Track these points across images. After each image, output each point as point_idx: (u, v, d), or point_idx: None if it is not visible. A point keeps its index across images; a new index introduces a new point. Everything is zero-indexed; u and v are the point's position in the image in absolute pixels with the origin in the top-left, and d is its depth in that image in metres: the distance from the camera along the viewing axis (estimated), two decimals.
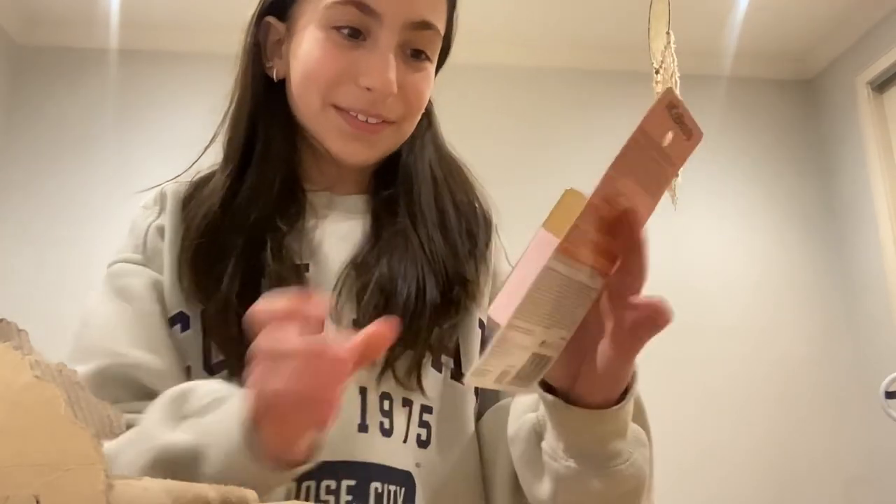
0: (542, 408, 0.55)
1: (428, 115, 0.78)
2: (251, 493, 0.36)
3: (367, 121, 0.68)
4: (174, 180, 0.74)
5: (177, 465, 0.48)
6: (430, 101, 0.79)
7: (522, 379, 0.46)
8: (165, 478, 0.36)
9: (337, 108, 0.67)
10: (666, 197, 1.98)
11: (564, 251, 0.39)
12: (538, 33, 3.18)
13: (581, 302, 0.44)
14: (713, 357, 3.00)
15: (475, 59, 3.21)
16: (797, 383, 3.02)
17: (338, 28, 0.66)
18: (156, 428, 0.51)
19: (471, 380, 0.44)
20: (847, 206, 3.16)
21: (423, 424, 0.65)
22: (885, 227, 2.89)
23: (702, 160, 3.17)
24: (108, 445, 0.53)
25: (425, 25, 0.68)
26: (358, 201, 0.74)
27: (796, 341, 3.08)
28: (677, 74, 1.92)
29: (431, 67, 0.71)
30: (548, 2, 2.98)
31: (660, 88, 1.92)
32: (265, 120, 0.71)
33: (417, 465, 0.63)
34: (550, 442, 0.54)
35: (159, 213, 0.70)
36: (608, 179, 0.39)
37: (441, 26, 0.70)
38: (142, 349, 0.62)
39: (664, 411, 3.15)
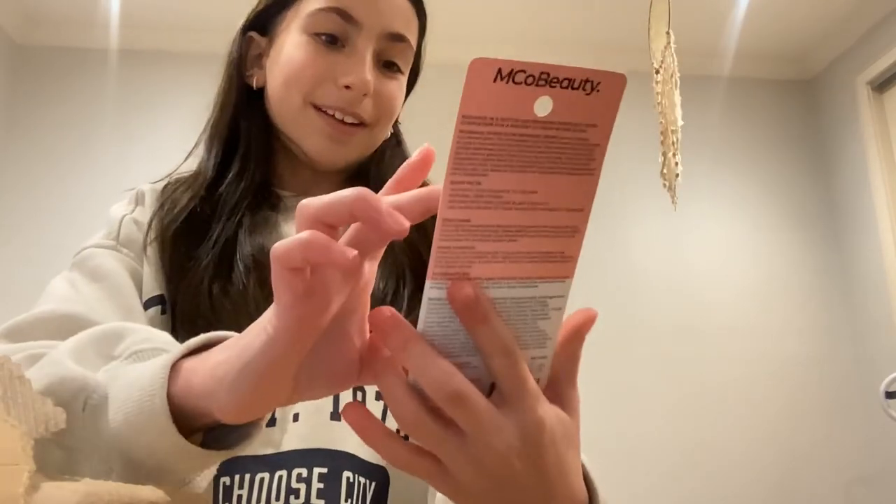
0: None
1: (396, 135, 0.83)
2: (193, 495, 0.34)
3: (343, 120, 0.72)
4: (151, 183, 0.76)
5: (69, 400, 0.41)
6: (398, 123, 0.84)
7: None
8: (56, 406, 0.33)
9: (316, 107, 0.72)
10: (666, 197, 1.98)
11: (434, 278, 0.35)
12: (537, 33, 3.17)
13: (538, 314, 0.38)
14: (713, 357, 3.00)
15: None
16: (797, 383, 3.02)
17: (318, 34, 0.71)
18: (68, 358, 0.44)
19: None
20: (847, 206, 3.16)
21: None
22: (885, 227, 2.89)
23: (701, 160, 3.17)
24: (13, 350, 0.48)
25: (400, 38, 0.73)
26: None
27: (796, 341, 3.07)
28: (677, 74, 1.92)
29: (403, 80, 0.77)
30: (547, 2, 2.98)
31: (660, 88, 1.92)
32: (246, 125, 0.76)
33: None
34: None
35: (135, 209, 0.72)
36: (449, 185, 0.33)
37: (413, 42, 0.76)
38: (118, 319, 0.59)
39: (664, 411, 3.15)
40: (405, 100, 0.84)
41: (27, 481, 0.25)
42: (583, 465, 0.43)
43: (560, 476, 0.38)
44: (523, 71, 0.32)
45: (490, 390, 0.37)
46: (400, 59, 0.75)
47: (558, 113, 0.33)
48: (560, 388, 0.39)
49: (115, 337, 0.48)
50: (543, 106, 0.33)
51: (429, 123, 0.86)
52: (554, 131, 0.34)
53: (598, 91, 0.34)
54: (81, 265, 0.66)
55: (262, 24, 0.77)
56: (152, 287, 0.66)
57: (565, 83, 0.33)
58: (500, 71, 0.31)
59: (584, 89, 0.33)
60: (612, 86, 0.34)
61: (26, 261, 2.82)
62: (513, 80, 0.32)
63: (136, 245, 0.68)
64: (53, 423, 0.28)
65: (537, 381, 0.38)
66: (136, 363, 0.45)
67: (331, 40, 0.71)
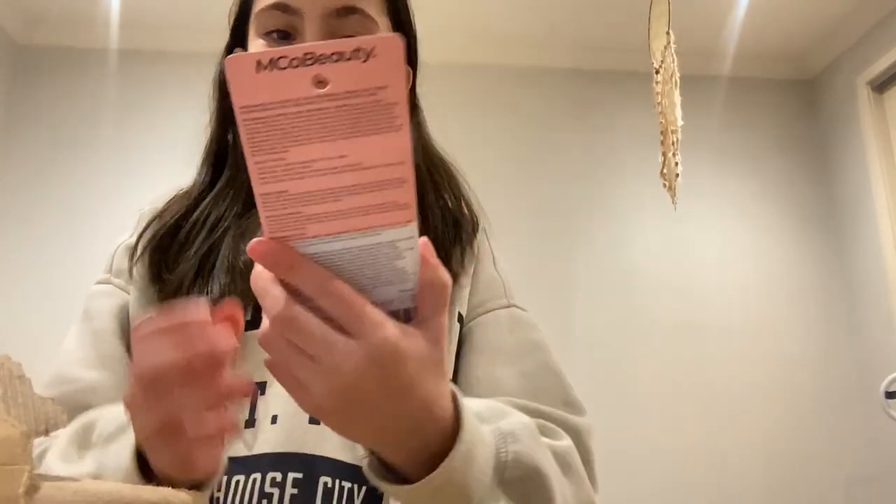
0: None
1: (412, 110, 0.79)
2: (190, 497, 0.34)
3: None
4: (153, 205, 0.77)
5: None
6: (416, 97, 0.81)
7: None
8: None
9: None
10: (666, 197, 1.98)
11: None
12: (538, 33, 3.17)
13: (391, 256, 0.40)
14: (713, 357, 3.00)
15: (475, 59, 3.20)
16: (797, 383, 3.02)
17: (268, 34, 0.71)
18: (57, 461, 0.52)
19: None
20: (847, 206, 3.16)
21: None
22: (885, 227, 2.89)
23: (701, 160, 3.17)
24: None
25: (348, 10, 0.70)
26: None
27: (797, 341, 3.07)
28: (677, 74, 1.92)
29: None
30: (548, 2, 2.98)
31: (660, 88, 1.92)
32: (233, 139, 0.76)
33: None
34: None
35: (132, 234, 0.73)
36: (254, 166, 0.36)
37: (372, 10, 0.72)
38: (92, 368, 0.64)
39: (663, 411, 3.14)
40: (414, 74, 0.81)
41: (27, 481, 0.25)
42: (454, 394, 0.45)
43: (413, 396, 0.40)
44: (284, 56, 0.34)
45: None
46: (359, 30, 0.71)
47: (338, 84, 0.35)
48: (422, 315, 0.41)
49: (88, 429, 0.56)
50: (318, 80, 0.35)
51: (434, 123, 0.85)
52: (342, 101, 0.36)
53: (375, 56, 0.35)
54: (84, 304, 0.71)
55: (240, 40, 0.77)
56: (140, 311, 0.68)
57: (335, 57, 0.35)
58: (259, 63, 0.34)
59: (358, 58, 0.35)
60: (388, 48, 0.36)
61: (25, 258, 2.82)
62: (277, 67, 0.34)
63: (125, 273, 0.70)
64: (53, 422, 0.28)
65: (407, 310, 0.42)
66: (111, 445, 0.51)
67: (283, 36, 0.70)
